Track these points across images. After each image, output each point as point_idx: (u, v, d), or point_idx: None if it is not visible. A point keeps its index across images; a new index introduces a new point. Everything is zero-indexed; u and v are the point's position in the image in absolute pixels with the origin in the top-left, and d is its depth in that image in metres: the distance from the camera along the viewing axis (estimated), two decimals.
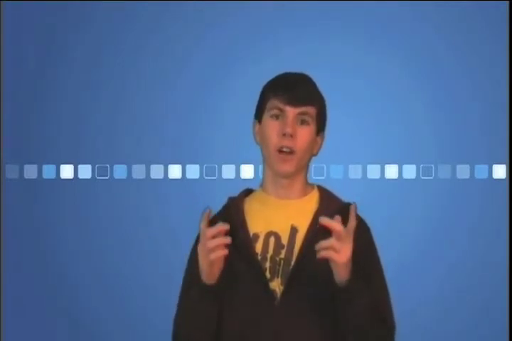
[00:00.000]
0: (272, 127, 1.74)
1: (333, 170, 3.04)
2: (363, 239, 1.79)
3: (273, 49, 3.06)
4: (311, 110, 1.75)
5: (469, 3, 3.02)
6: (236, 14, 3.08)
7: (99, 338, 3.11)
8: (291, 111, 1.73)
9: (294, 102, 1.73)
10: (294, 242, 1.75)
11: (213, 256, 1.63)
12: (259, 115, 1.80)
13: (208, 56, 3.09)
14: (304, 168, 1.81)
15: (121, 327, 3.09)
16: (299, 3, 3.05)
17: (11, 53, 3.09)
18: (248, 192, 1.88)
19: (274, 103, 1.75)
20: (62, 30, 3.10)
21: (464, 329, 3.04)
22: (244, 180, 3.02)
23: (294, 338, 1.70)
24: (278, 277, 1.73)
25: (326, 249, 1.58)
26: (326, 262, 1.63)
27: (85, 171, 3.11)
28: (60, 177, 3.11)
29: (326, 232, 1.68)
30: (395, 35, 3.06)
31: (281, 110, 1.73)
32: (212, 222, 1.83)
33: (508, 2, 3.02)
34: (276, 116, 1.75)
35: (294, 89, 1.74)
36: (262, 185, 1.85)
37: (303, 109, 1.74)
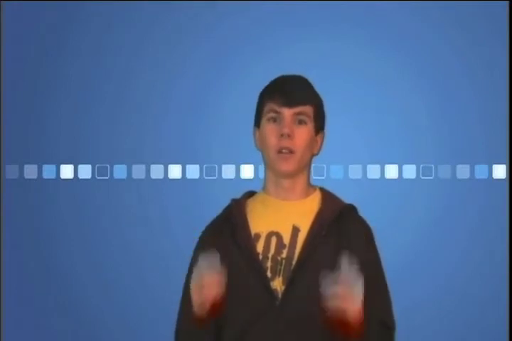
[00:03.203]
0: (270, 130, 1.77)
1: (333, 170, 3.04)
2: (365, 241, 1.82)
3: (273, 49, 3.05)
4: (307, 109, 1.78)
5: (469, 3, 3.02)
6: (236, 14, 3.07)
7: (99, 337, 3.11)
8: (287, 112, 1.75)
9: (289, 103, 1.75)
10: (296, 242, 1.75)
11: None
12: (257, 121, 1.83)
13: (207, 56, 3.09)
14: (305, 168, 1.83)
15: (121, 325, 3.09)
16: (299, 3, 3.05)
17: (11, 53, 3.09)
18: (251, 194, 1.89)
19: (270, 106, 1.77)
20: (62, 30, 3.10)
21: (464, 329, 3.04)
22: (244, 180, 3.02)
23: (294, 338, 1.70)
24: (279, 276, 1.73)
25: (332, 297, 1.61)
26: (327, 263, 1.64)
27: (85, 171, 3.11)
28: (60, 177, 3.11)
29: (328, 233, 1.69)
30: (395, 35, 3.06)
31: (277, 112, 1.76)
32: (214, 225, 1.84)
33: (508, 2, 3.02)
34: (274, 119, 1.77)
35: (288, 91, 1.76)
36: (263, 188, 1.86)
37: (299, 109, 1.76)
